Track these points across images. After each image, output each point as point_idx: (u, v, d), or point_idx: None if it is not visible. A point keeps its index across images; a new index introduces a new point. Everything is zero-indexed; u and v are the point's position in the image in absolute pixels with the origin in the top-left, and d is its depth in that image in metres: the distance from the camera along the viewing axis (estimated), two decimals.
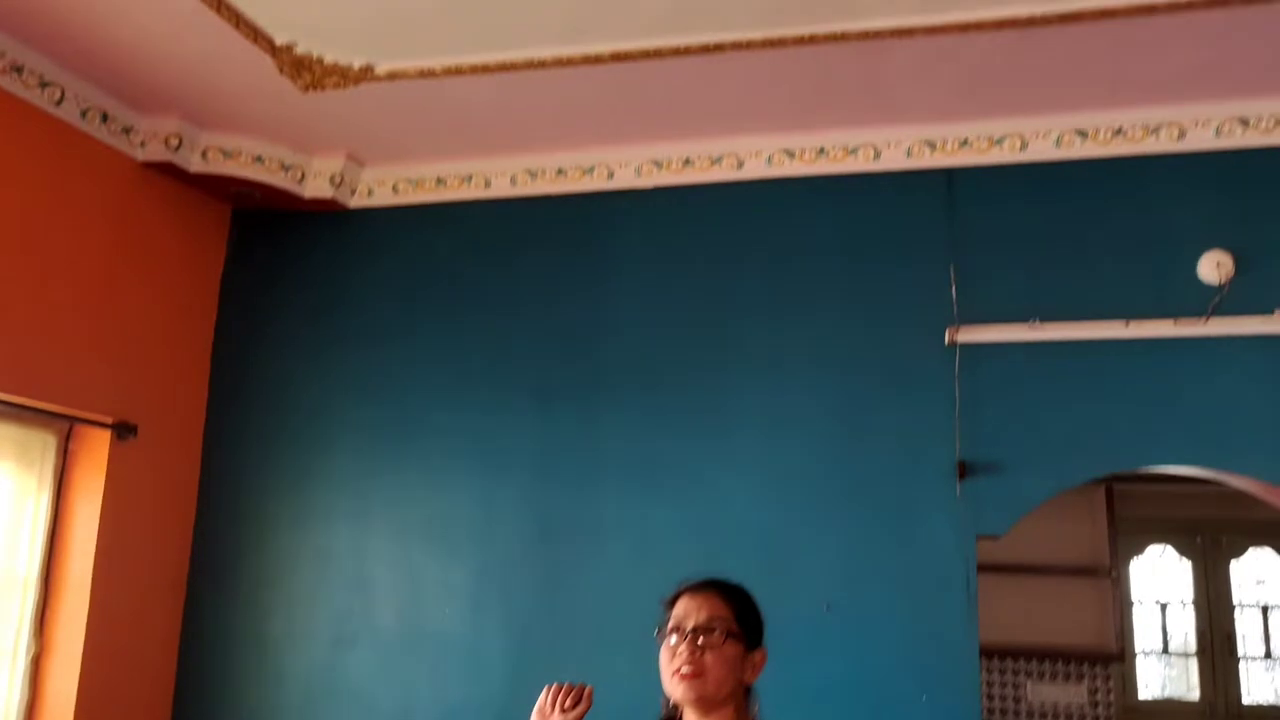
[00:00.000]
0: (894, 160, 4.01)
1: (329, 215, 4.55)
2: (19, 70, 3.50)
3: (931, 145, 3.94)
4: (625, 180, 4.30)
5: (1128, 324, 3.58)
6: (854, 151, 4.05)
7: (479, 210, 4.45)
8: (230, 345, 4.54)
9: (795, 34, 3.32)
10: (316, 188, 4.37)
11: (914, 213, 3.99)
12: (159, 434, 4.15)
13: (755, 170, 4.17)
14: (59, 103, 3.67)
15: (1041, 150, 3.84)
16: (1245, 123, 3.60)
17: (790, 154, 4.11)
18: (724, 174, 4.21)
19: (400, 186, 4.49)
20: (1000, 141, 3.87)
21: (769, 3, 3.16)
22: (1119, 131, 3.72)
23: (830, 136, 4.03)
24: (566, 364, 4.19)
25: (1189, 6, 3.03)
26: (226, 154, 4.16)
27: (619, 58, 3.50)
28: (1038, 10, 3.13)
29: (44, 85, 3.60)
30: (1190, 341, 3.54)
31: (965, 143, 3.91)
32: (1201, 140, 3.66)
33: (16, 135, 3.56)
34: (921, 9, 3.19)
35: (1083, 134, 3.79)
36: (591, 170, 4.31)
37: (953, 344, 3.75)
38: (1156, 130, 3.67)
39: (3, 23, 3.34)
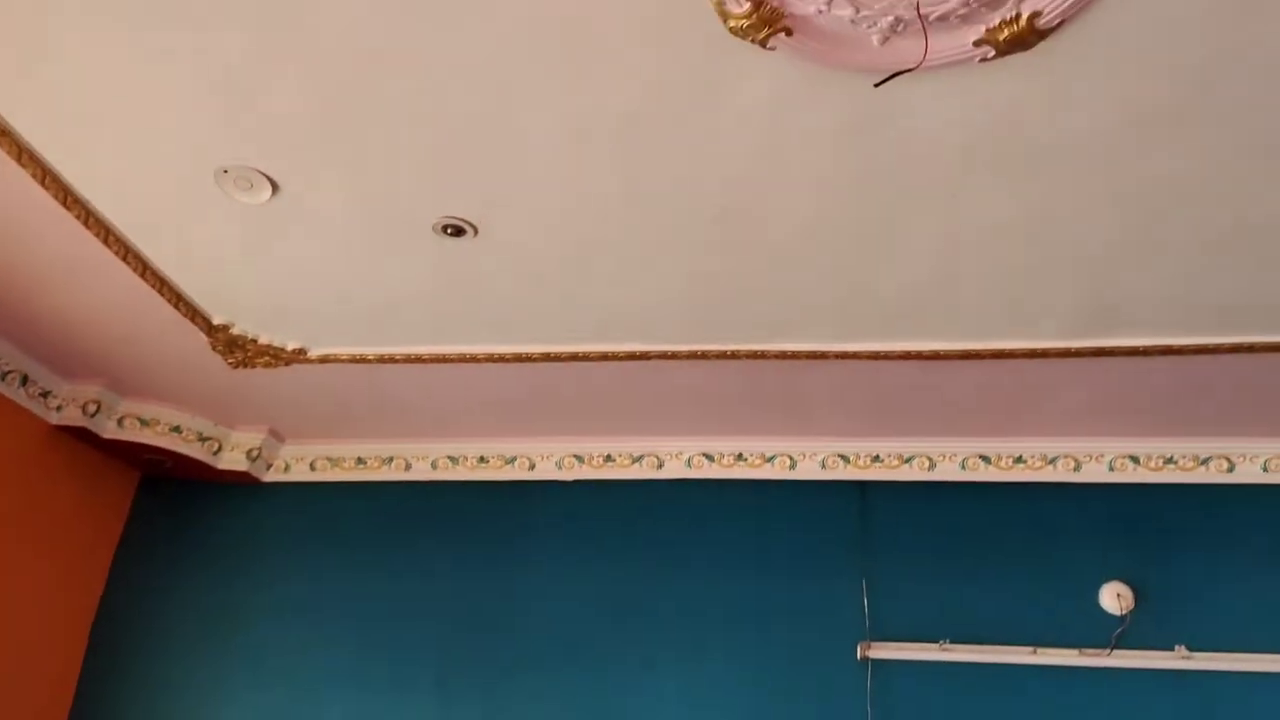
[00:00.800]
0: (809, 470, 4.13)
1: (240, 487, 4.46)
2: None
3: (845, 459, 4.08)
4: (546, 472, 4.34)
5: (1035, 651, 3.61)
6: (771, 459, 4.17)
7: (396, 491, 4.42)
8: (116, 613, 4.28)
9: (719, 349, 3.50)
10: (232, 460, 4.32)
11: (828, 523, 4.07)
12: (26, 696, 3.81)
13: (675, 470, 4.26)
14: None
15: (949, 471, 4.00)
16: (1135, 459, 3.83)
17: (709, 457, 4.21)
18: (644, 472, 4.28)
19: (319, 464, 4.46)
20: (910, 460, 4.03)
21: (695, 319, 3.34)
22: (1019, 459, 3.92)
23: (749, 443, 4.16)
24: (473, 650, 4.03)
25: (1076, 354, 3.28)
26: (143, 422, 4.12)
27: (549, 358, 3.62)
28: (940, 347, 3.36)
29: None
30: (1095, 671, 3.57)
31: (877, 458, 4.06)
32: (1096, 473, 3.86)
33: None
34: (836, 337, 3.40)
35: (985, 459, 3.97)
36: (513, 460, 4.35)
37: (865, 659, 3.72)
38: (1054, 461, 3.88)
39: None
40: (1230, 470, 3.78)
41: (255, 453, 4.31)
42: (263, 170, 2.70)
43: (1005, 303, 3.13)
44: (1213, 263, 2.83)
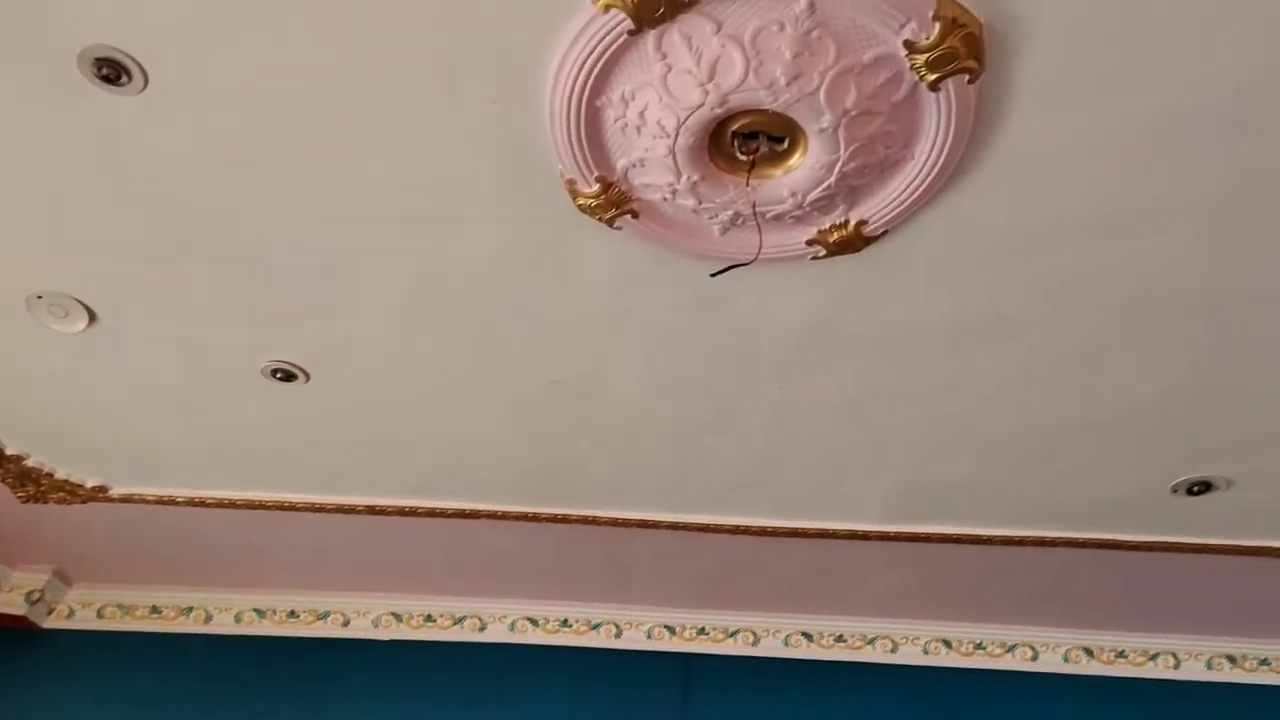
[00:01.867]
0: (634, 640, 4.06)
1: (16, 633, 4.03)
2: None
3: (670, 629, 4.04)
4: (361, 630, 4.12)
5: None
6: (596, 627, 4.09)
7: (194, 644, 4.09)
8: None
9: (550, 512, 3.45)
10: (7, 602, 3.93)
11: (651, 695, 3.98)
12: None
13: (498, 634, 4.12)
14: None
15: (772, 647, 4.01)
16: (948, 643, 3.94)
17: (534, 622, 4.10)
18: (465, 634, 4.12)
19: (107, 611, 4.10)
20: (734, 634, 4.02)
21: (527, 481, 3.30)
22: (840, 638, 3.97)
23: (575, 609, 4.08)
24: None
25: (895, 538, 3.40)
26: None
27: (373, 511, 3.49)
28: (768, 523, 3.41)
29: None
30: None
31: (702, 630, 4.04)
32: (911, 655, 3.95)
33: None
34: (667, 507, 3.41)
35: (808, 636, 4.01)
36: (326, 616, 4.12)
37: None
38: (873, 641, 3.95)
39: None
40: (1034, 659, 3.93)
41: (36, 595, 3.93)
42: (80, 299, 2.57)
43: (830, 483, 3.23)
44: (1017, 460, 3.01)
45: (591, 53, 1.80)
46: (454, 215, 2.24)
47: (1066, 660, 3.94)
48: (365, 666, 4.06)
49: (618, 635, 4.08)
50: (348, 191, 2.19)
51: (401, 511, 3.47)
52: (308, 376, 2.82)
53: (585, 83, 1.86)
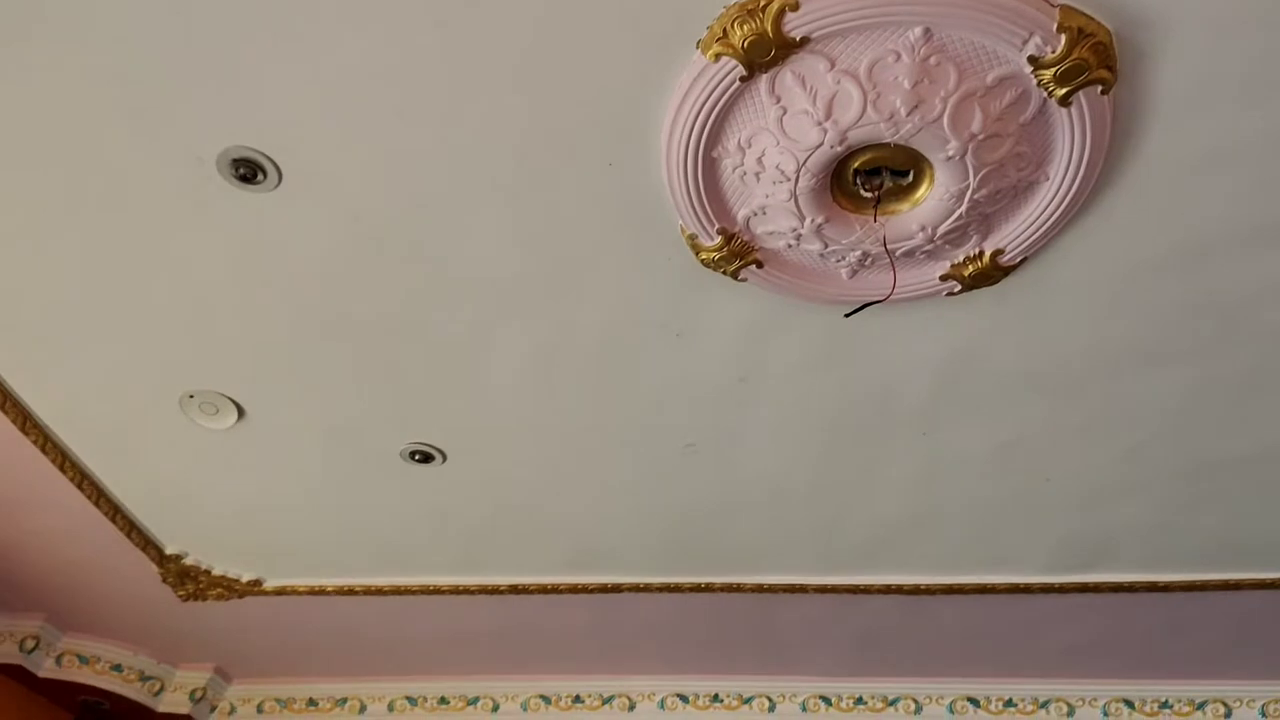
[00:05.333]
0: (789, 713, 3.91)
1: None
2: None
3: (827, 700, 3.87)
4: (511, 714, 4.08)
5: None
6: (749, 700, 3.95)
7: None
8: None
9: (692, 582, 3.37)
10: (174, 702, 4.04)
11: None
12: None
13: (647, 713, 4.02)
14: None
15: (936, 715, 3.79)
16: (1130, 704, 3.65)
17: (684, 698, 3.99)
18: (615, 715, 4.04)
19: (267, 705, 4.17)
20: (894, 702, 3.83)
21: (667, 551, 3.24)
22: (1009, 703, 3.73)
23: (726, 683, 3.95)
24: None
25: (1060, 589, 3.19)
26: (83, 659, 3.87)
27: (516, 590, 3.48)
28: (921, 581, 3.25)
29: None
30: None
31: (860, 700, 3.85)
32: (1090, 719, 3.67)
33: None
34: (813, 570, 3.29)
35: (974, 701, 3.77)
36: (476, 701, 4.10)
37: None
38: (1046, 705, 3.69)
39: None
40: (1228, 716, 3.60)
41: (199, 694, 4.04)
42: (229, 395, 2.66)
43: (985, 536, 3.06)
44: (1192, 496, 2.79)
45: (705, 103, 1.79)
46: (575, 281, 2.25)
47: (1265, 716, 3.59)
48: None
49: (771, 709, 3.94)
50: (472, 264, 2.22)
51: (544, 589, 3.45)
52: (445, 456, 2.85)
53: (701, 134, 1.84)
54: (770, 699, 3.93)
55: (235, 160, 2.00)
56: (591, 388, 2.57)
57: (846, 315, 2.19)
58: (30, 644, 3.76)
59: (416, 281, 2.29)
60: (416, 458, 2.85)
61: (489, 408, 2.65)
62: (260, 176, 2.03)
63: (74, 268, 2.31)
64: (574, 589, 3.44)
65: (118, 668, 3.92)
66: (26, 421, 2.76)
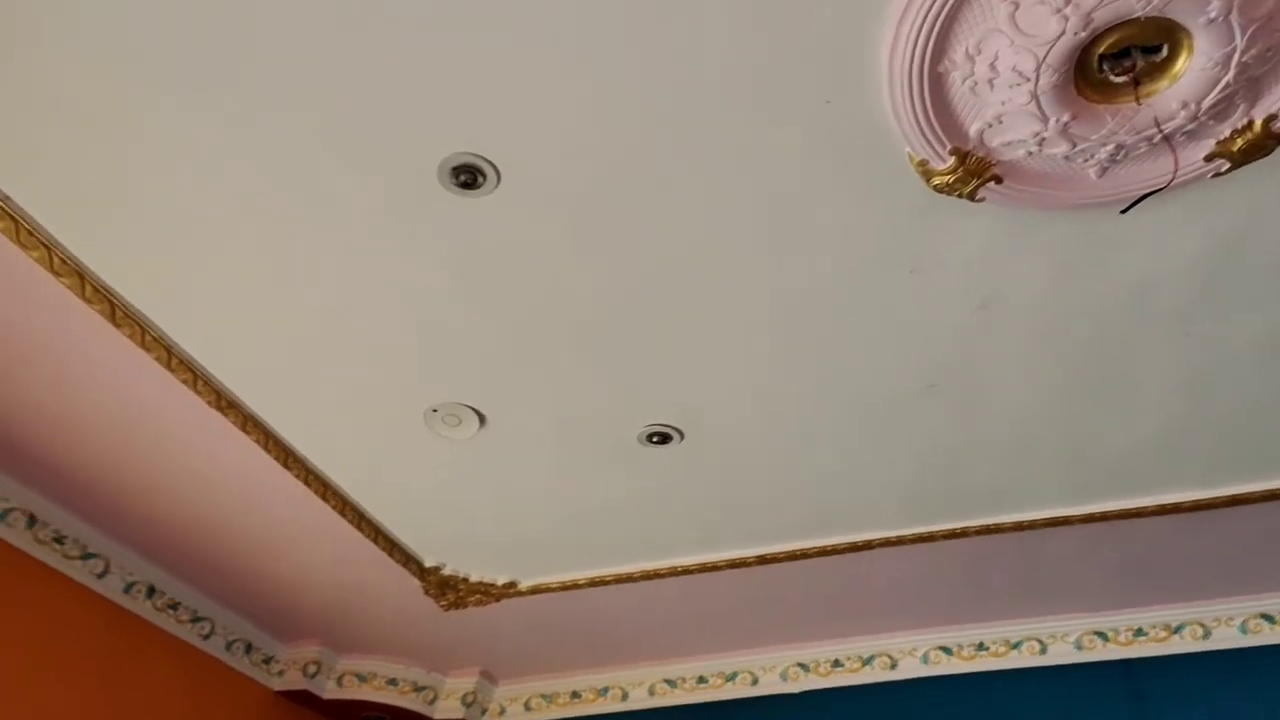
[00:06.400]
0: (1063, 653, 3.72)
1: None
2: (174, 607, 3.57)
3: (1103, 636, 3.67)
4: (770, 685, 4.05)
5: None
6: (1017, 645, 3.78)
7: None
8: None
9: (945, 529, 3.25)
10: (448, 709, 4.21)
11: (1092, 713, 3.61)
12: None
13: (910, 669, 3.91)
14: (207, 636, 3.70)
15: (1227, 637, 3.53)
16: None
17: (947, 651, 3.86)
18: (876, 675, 3.95)
19: (534, 703, 4.29)
20: (1179, 629, 3.58)
21: (915, 500, 3.13)
22: None
23: (990, 630, 3.80)
24: None
25: None
26: (361, 678, 4.08)
27: (764, 560, 3.44)
28: (1200, 495, 3.02)
29: (195, 620, 3.65)
30: None
31: (1140, 632, 3.63)
32: None
33: (166, 670, 3.54)
34: (1071, 499, 3.11)
35: (1269, 619, 3.49)
36: (734, 677, 4.09)
37: None
38: None
39: (160, 559, 3.47)
40: None
41: (470, 698, 4.20)
42: (470, 404, 2.73)
43: (1262, 438, 2.82)
44: None
45: (927, 15, 1.69)
46: (799, 237, 2.18)
47: None
48: None
49: (1043, 651, 3.76)
50: (693, 231, 2.18)
51: (792, 555, 3.40)
52: (682, 435, 2.84)
53: (925, 49, 1.74)
54: (1040, 641, 3.75)
55: (455, 168, 2.02)
56: (824, 343, 2.49)
57: (1122, 211, 2.03)
58: (312, 669, 3.99)
59: (631, 265, 2.27)
60: (655, 439, 2.84)
61: (722, 378, 2.62)
62: (480, 180, 2.05)
63: (309, 301, 2.41)
64: (823, 551, 3.37)
65: (393, 682, 4.12)
66: (289, 457, 2.91)
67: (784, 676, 4.03)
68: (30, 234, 2.20)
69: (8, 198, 2.13)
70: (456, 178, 2.05)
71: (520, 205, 2.12)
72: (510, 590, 3.63)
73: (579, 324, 2.46)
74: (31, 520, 3.09)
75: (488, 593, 3.64)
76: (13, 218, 2.16)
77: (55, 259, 2.26)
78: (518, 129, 1.95)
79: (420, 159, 2.02)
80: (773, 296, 2.35)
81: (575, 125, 1.95)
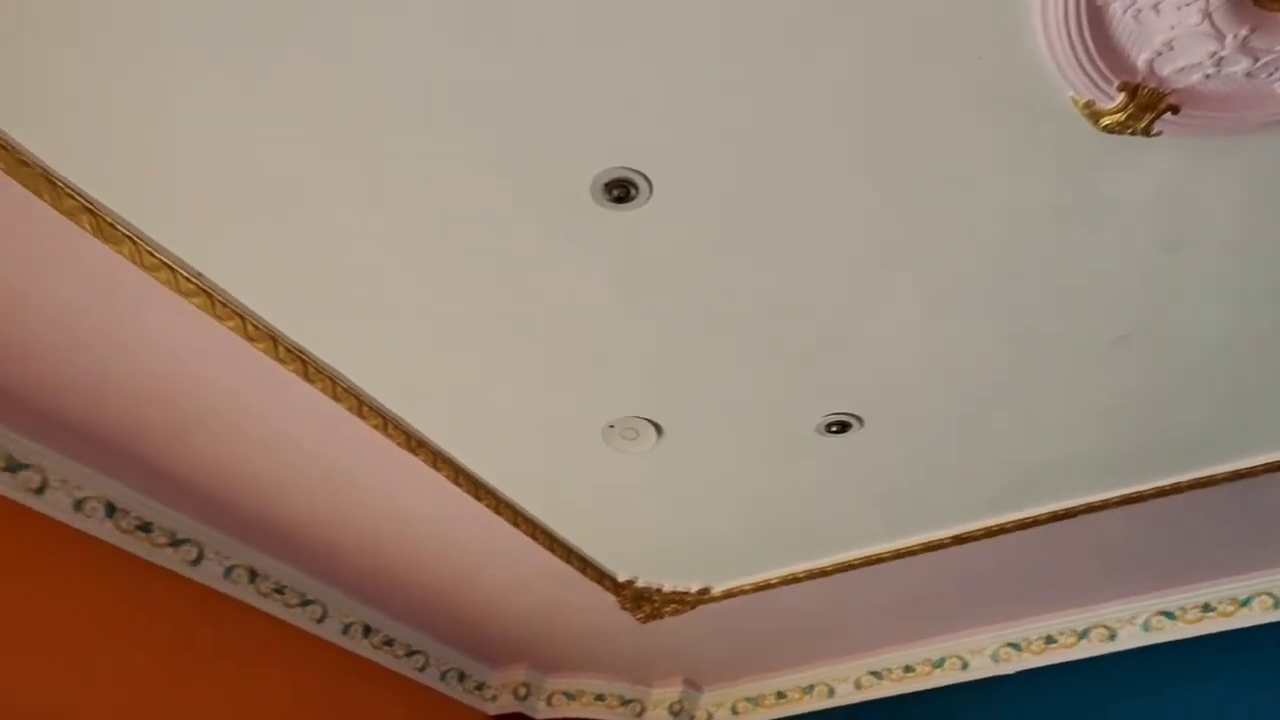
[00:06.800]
0: None
1: None
2: (389, 643, 3.73)
3: None
4: (982, 669, 3.92)
5: None
6: (1246, 603, 3.54)
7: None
8: None
9: (1155, 486, 3.07)
10: (657, 718, 4.24)
11: None
12: None
13: (1130, 639, 3.71)
14: (423, 668, 3.86)
15: None
16: None
17: (1169, 615, 3.65)
18: (1093, 648, 3.76)
19: (740, 706, 4.29)
20: None
21: (1116, 459, 2.97)
22: None
23: (1215, 589, 3.56)
24: None
25: None
26: (570, 696, 4.17)
27: (959, 540, 3.33)
28: None
29: (410, 654, 3.82)
30: None
31: None
32: None
33: (390, 704, 3.73)
34: None
35: None
36: (942, 663, 3.98)
37: None
38: None
39: (370, 598, 3.64)
40: None
41: (677, 707, 4.23)
42: (646, 416, 2.75)
43: None
44: None
45: None
46: (965, 197, 2.11)
47: None
48: (998, 704, 3.85)
49: (1276, 606, 3.50)
50: (854, 214, 2.15)
51: (989, 532, 3.28)
52: (861, 421, 2.78)
53: None
54: (1274, 595, 3.50)
55: (608, 184, 2.05)
56: (997, 309, 2.41)
57: None
58: (523, 691, 4.11)
59: (798, 255, 2.25)
60: (833, 429, 2.80)
61: (897, 357, 2.56)
62: (633, 193, 2.07)
63: (483, 335, 2.49)
64: (1020, 525, 3.24)
65: (600, 697, 4.19)
66: (479, 489, 3.00)
67: (995, 658, 3.90)
68: (224, 305, 2.35)
69: (199, 274, 2.29)
70: (610, 193, 2.07)
71: (675, 212, 2.13)
72: (704, 597, 3.64)
73: (744, 323, 2.45)
74: (253, 575, 3.30)
75: (682, 601, 3.66)
76: (206, 293, 2.32)
77: (249, 327, 2.41)
78: (666, 137, 1.96)
79: (573, 178, 2.05)
80: (944, 266, 2.28)
81: (724, 125, 1.94)
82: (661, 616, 3.74)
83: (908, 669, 4.03)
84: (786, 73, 1.85)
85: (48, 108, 1.92)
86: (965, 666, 3.94)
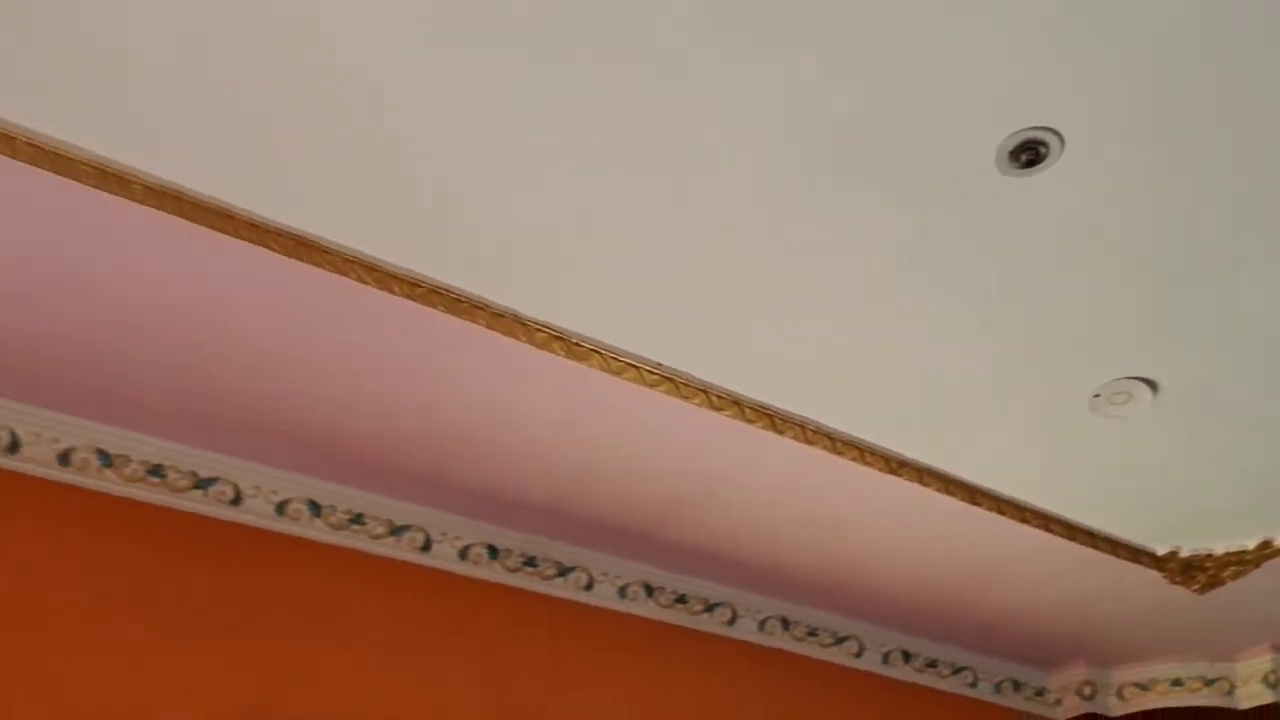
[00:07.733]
0: None
1: None
2: (933, 665, 3.73)
3: None
4: None
5: None
6: None
7: None
8: None
9: None
10: (1251, 695, 3.78)
11: None
12: None
13: None
14: (973, 684, 3.80)
15: None
16: None
17: None
18: None
19: None
20: None
21: None
22: None
23: None
24: None
25: None
26: (1141, 687, 3.86)
27: None
28: None
29: (956, 671, 3.78)
30: None
31: None
32: None
33: None
34: None
35: None
36: None
37: None
38: None
39: (898, 623, 3.67)
40: None
41: (1273, 677, 3.73)
42: (1137, 375, 2.53)
43: None
44: None
45: None
46: None
47: None
48: None
49: None
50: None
51: None
52: None
53: None
54: None
55: (1015, 149, 1.94)
56: None
57: None
58: (1087, 690, 3.88)
59: (1227, 201, 2.02)
60: None
61: None
62: (1044, 153, 1.95)
63: (946, 344, 2.44)
64: None
65: (1178, 683, 3.82)
66: (975, 494, 2.92)
67: None
68: (687, 386, 2.55)
69: (659, 365, 2.52)
70: (1017, 157, 1.96)
71: (1082, 172, 1.97)
72: (1268, 550, 3.20)
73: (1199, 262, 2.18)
74: (785, 623, 3.49)
75: (1242, 561, 3.25)
76: (670, 380, 2.53)
77: (713, 398, 2.59)
78: (1080, 91, 1.83)
79: (978, 145, 1.94)
80: None
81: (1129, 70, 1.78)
82: (1222, 582, 3.35)
83: None
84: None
85: (511, 263, 2.25)
86: None
